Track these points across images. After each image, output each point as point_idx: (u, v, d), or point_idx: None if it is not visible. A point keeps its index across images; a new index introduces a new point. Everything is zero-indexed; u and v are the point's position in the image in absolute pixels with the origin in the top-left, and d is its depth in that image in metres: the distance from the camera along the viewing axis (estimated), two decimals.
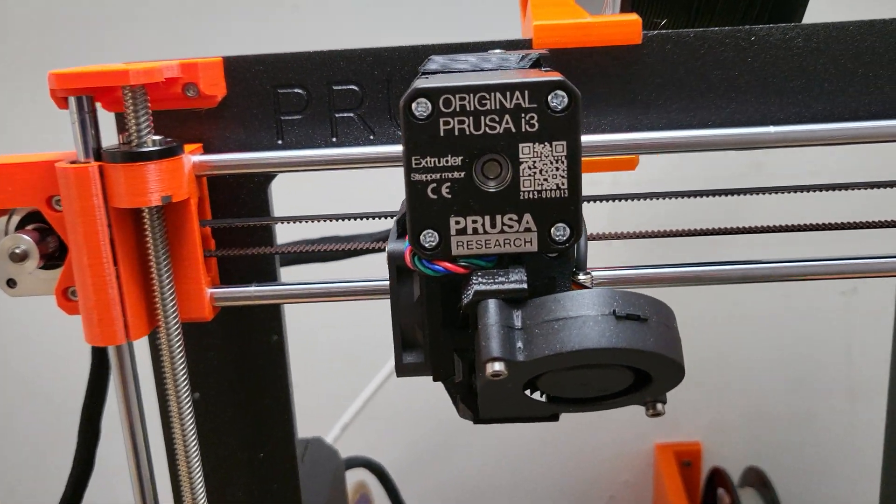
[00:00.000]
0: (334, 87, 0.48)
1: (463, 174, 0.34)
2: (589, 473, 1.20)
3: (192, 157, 0.47)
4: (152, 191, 0.44)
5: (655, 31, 0.46)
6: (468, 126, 0.34)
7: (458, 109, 0.34)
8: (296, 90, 0.48)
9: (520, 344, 0.34)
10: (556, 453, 1.17)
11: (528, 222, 0.35)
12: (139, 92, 0.44)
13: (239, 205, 0.50)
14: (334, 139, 0.48)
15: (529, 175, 0.34)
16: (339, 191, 0.87)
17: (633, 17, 0.46)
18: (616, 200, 0.49)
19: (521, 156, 0.34)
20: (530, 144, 0.34)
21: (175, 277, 0.47)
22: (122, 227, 0.45)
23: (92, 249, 0.45)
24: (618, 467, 1.19)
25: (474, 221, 0.35)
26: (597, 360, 0.34)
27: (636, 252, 0.84)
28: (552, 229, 0.35)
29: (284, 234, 0.54)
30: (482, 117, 0.34)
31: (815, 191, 0.47)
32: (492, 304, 0.35)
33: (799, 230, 0.48)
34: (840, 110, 0.47)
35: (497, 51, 0.42)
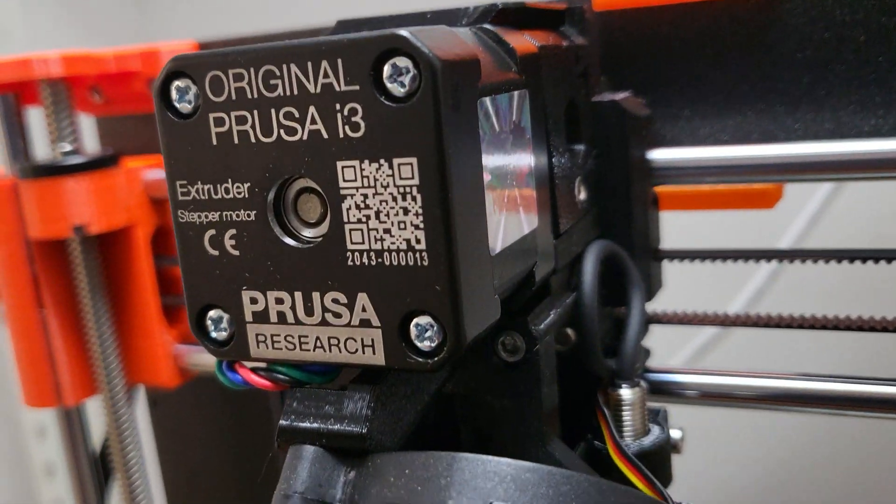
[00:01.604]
0: None
1: (253, 215, 0.19)
2: None
3: (147, 172, 0.36)
4: (68, 216, 0.33)
5: None
6: (253, 127, 0.19)
7: (233, 97, 0.19)
8: None
9: None
10: None
11: (364, 308, 0.18)
12: (58, 88, 0.34)
13: None
14: None
15: (359, 220, 0.18)
16: None
17: None
18: (753, 260, 0.30)
19: (341, 184, 0.18)
20: (354, 163, 0.18)
21: (122, 330, 0.36)
22: (49, 263, 0.35)
23: (13, 288, 0.35)
24: None
25: (279, 301, 0.19)
26: None
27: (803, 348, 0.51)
28: (410, 325, 0.18)
29: None
30: (273, 111, 0.18)
31: None
32: (306, 454, 0.19)
33: None
34: None
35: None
